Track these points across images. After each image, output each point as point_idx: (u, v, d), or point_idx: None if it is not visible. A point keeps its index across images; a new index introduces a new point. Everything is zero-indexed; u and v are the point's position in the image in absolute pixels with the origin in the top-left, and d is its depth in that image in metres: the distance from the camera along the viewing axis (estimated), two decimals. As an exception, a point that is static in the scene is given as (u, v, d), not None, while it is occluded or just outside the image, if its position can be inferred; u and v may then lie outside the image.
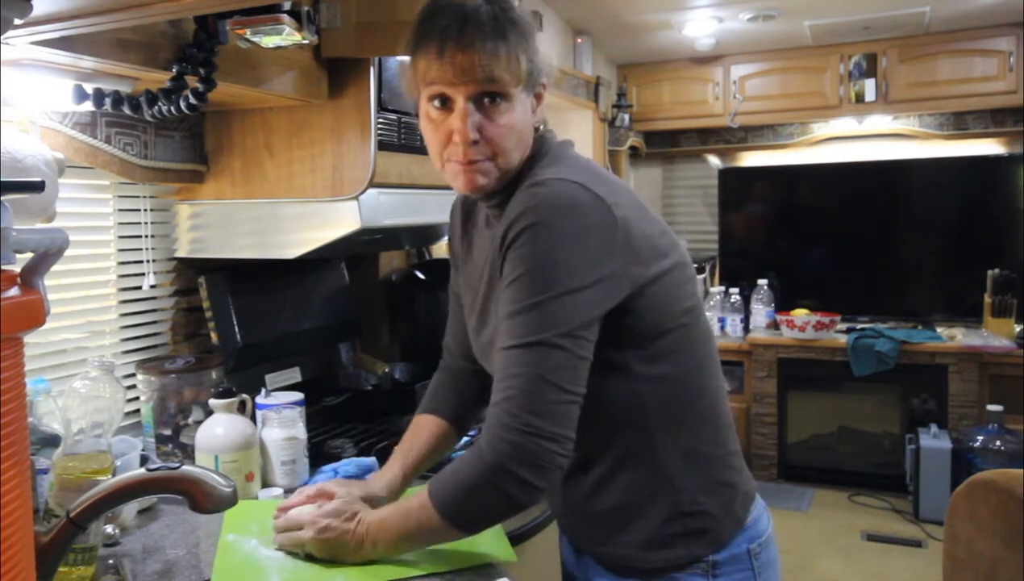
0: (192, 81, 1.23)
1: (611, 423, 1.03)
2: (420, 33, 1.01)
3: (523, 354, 0.94)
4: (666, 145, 4.63)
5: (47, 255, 0.68)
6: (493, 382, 0.99)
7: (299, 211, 1.57)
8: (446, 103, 1.01)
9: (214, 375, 1.57)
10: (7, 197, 0.65)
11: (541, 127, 1.10)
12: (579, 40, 3.70)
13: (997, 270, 3.75)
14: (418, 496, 1.03)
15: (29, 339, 0.75)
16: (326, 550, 1.06)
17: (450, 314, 1.31)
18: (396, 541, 1.04)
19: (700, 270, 4.25)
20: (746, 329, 4.11)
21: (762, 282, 4.13)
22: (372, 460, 1.47)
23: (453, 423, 1.28)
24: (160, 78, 1.23)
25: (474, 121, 0.99)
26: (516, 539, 1.39)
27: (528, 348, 0.94)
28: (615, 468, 1.06)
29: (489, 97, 1.00)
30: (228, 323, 1.72)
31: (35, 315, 0.66)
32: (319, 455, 1.59)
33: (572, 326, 0.94)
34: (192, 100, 1.23)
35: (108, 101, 1.24)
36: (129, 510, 1.23)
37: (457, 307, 1.28)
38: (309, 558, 1.08)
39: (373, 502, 1.14)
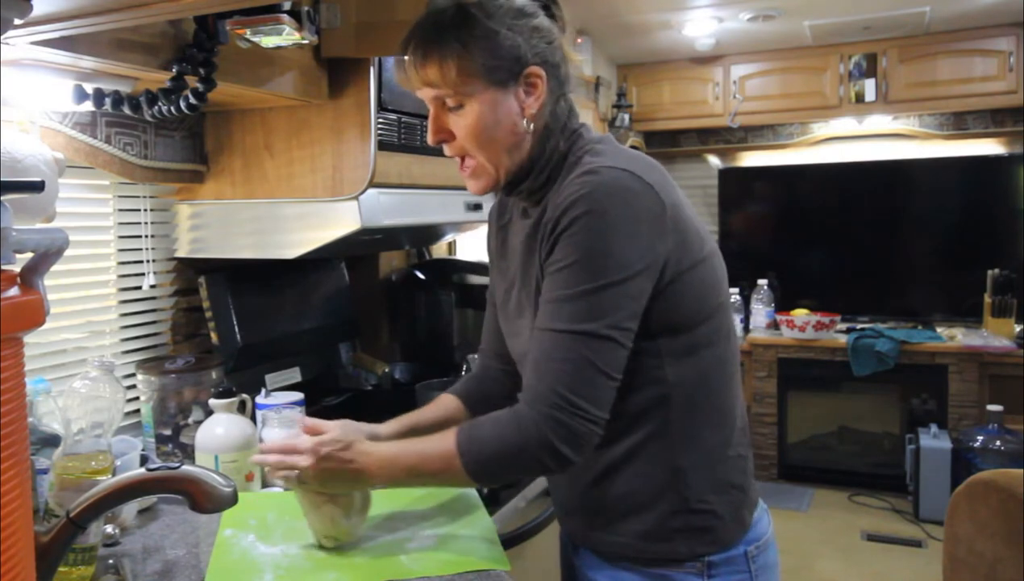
0: (192, 81, 1.22)
1: (633, 410, 1.04)
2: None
3: (574, 340, 0.97)
4: (666, 145, 4.63)
5: (47, 255, 0.68)
6: (532, 359, 1.00)
7: (299, 211, 1.57)
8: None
9: (214, 375, 1.57)
10: (7, 197, 0.65)
11: (574, 118, 1.11)
12: (579, 40, 3.70)
13: (997, 270, 3.74)
14: (440, 442, 1.03)
15: (29, 339, 0.75)
16: (324, 478, 1.06)
17: (486, 319, 1.32)
18: (405, 478, 1.07)
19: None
20: (746, 329, 4.11)
21: (762, 282, 4.13)
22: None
23: (471, 408, 1.27)
24: (160, 78, 1.23)
25: (438, 123, 1.06)
26: (516, 539, 1.39)
27: (579, 336, 0.96)
28: (628, 455, 1.06)
29: (444, 102, 1.05)
30: (228, 323, 1.72)
31: (35, 315, 0.66)
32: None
33: (622, 317, 0.97)
34: (192, 100, 1.23)
35: (108, 101, 1.24)
36: (129, 510, 1.23)
37: (493, 311, 1.28)
38: (312, 551, 1.08)
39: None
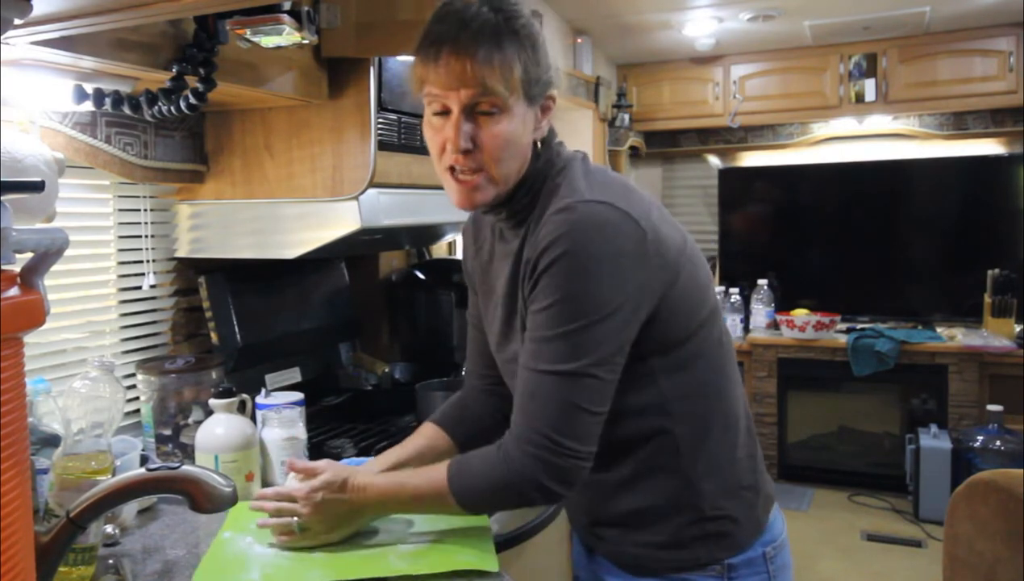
0: (192, 81, 1.22)
1: (637, 430, 1.04)
2: (423, 37, 1.02)
3: (557, 381, 0.97)
4: (666, 145, 4.63)
5: (47, 255, 0.68)
6: (518, 397, 1.01)
7: (299, 211, 1.57)
8: (445, 111, 1.01)
9: (214, 375, 1.57)
10: (7, 197, 0.65)
11: (553, 138, 1.09)
12: (579, 40, 3.70)
13: (997, 270, 3.74)
14: (432, 475, 1.06)
15: (29, 339, 0.75)
16: (324, 520, 1.08)
17: (469, 341, 1.32)
18: (400, 509, 1.13)
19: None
20: (746, 329, 4.11)
21: (762, 282, 4.13)
22: (372, 460, 1.47)
23: (455, 438, 1.27)
24: (160, 78, 1.23)
25: (466, 131, 1.00)
26: (516, 539, 1.39)
27: (561, 376, 0.97)
28: (638, 472, 1.06)
29: (484, 107, 1.00)
30: (228, 323, 1.72)
31: (35, 315, 0.66)
32: (319, 455, 1.59)
33: (604, 354, 0.97)
34: (192, 100, 1.23)
35: (108, 101, 1.24)
36: (129, 510, 1.23)
37: (476, 331, 1.27)
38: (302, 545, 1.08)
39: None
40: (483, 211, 1.12)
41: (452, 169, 1.03)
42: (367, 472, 1.16)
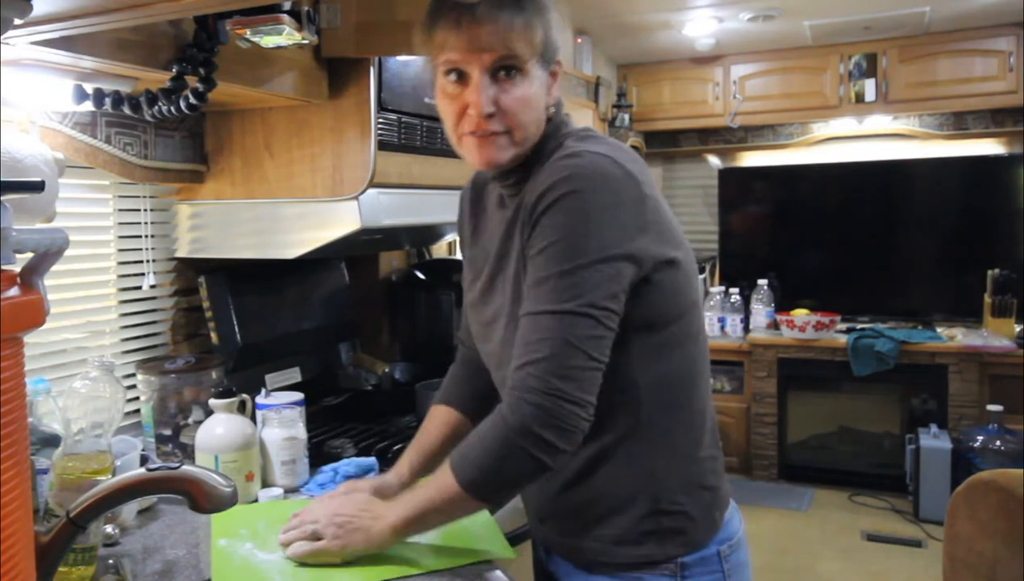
0: (192, 81, 1.22)
1: (602, 412, 1.00)
2: (437, 5, 1.01)
3: (551, 319, 0.95)
4: (666, 145, 4.63)
5: (47, 255, 0.68)
6: (516, 345, 0.98)
7: (299, 211, 1.57)
8: (462, 77, 1.01)
9: (214, 375, 1.57)
10: (7, 197, 0.65)
11: (560, 109, 1.10)
12: (579, 40, 3.70)
13: (997, 270, 3.75)
14: (438, 473, 1.04)
15: (29, 339, 0.75)
16: (344, 540, 1.05)
17: (464, 305, 1.31)
18: (418, 517, 1.04)
19: (700, 270, 4.25)
20: (746, 329, 4.11)
21: (762, 282, 4.13)
22: (372, 460, 1.47)
23: (467, 413, 1.27)
24: (160, 78, 1.23)
25: (489, 94, 1.00)
26: (516, 539, 1.39)
27: (557, 315, 0.95)
28: (598, 458, 1.05)
29: (505, 70, 1.00)
30: (228, 323, 1.72)
31: (35, 315, 0.66)
32: (319, 455, 1.59)
33: (600, 296, 0.95)
34: (192, 100, 1.23)
35: (108, 101, 1.24)
36: (129, 510, 1.23)
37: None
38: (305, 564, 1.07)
39: (385, 493, 1.15)
40: (492, 176, 1.11)
41: (472, 133, 1.03)
42: (387, 486, 1.15)
